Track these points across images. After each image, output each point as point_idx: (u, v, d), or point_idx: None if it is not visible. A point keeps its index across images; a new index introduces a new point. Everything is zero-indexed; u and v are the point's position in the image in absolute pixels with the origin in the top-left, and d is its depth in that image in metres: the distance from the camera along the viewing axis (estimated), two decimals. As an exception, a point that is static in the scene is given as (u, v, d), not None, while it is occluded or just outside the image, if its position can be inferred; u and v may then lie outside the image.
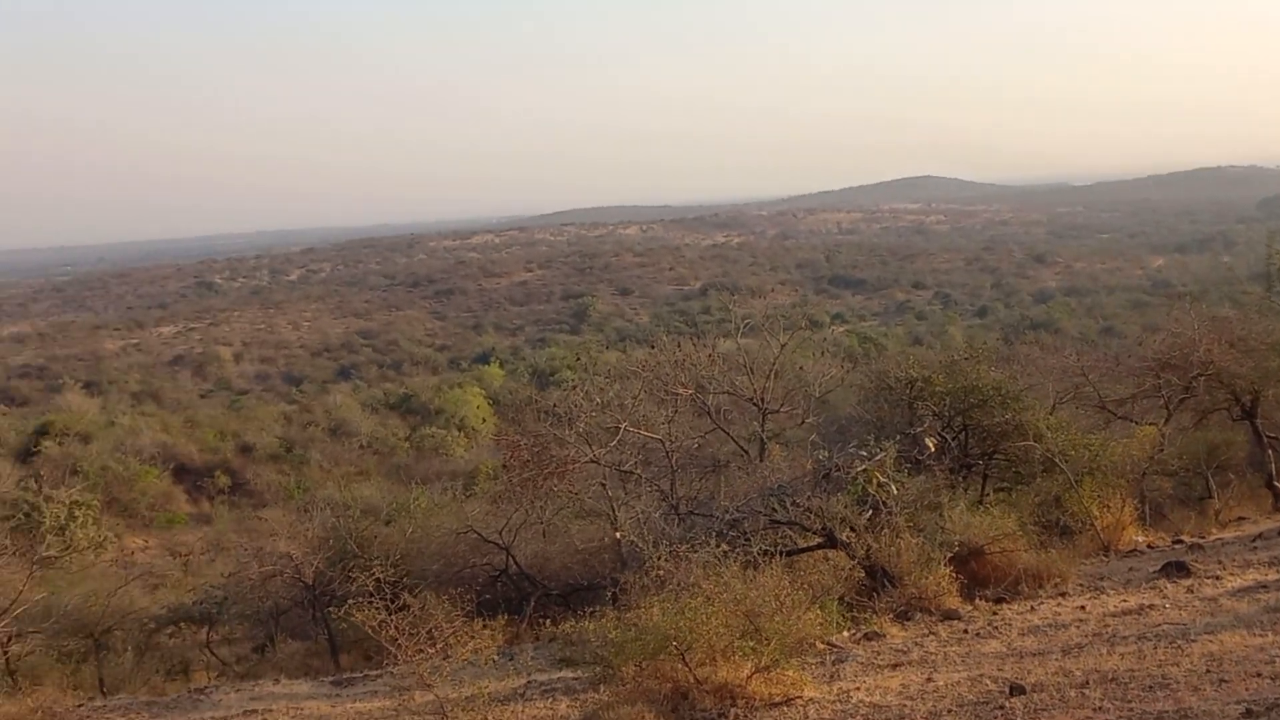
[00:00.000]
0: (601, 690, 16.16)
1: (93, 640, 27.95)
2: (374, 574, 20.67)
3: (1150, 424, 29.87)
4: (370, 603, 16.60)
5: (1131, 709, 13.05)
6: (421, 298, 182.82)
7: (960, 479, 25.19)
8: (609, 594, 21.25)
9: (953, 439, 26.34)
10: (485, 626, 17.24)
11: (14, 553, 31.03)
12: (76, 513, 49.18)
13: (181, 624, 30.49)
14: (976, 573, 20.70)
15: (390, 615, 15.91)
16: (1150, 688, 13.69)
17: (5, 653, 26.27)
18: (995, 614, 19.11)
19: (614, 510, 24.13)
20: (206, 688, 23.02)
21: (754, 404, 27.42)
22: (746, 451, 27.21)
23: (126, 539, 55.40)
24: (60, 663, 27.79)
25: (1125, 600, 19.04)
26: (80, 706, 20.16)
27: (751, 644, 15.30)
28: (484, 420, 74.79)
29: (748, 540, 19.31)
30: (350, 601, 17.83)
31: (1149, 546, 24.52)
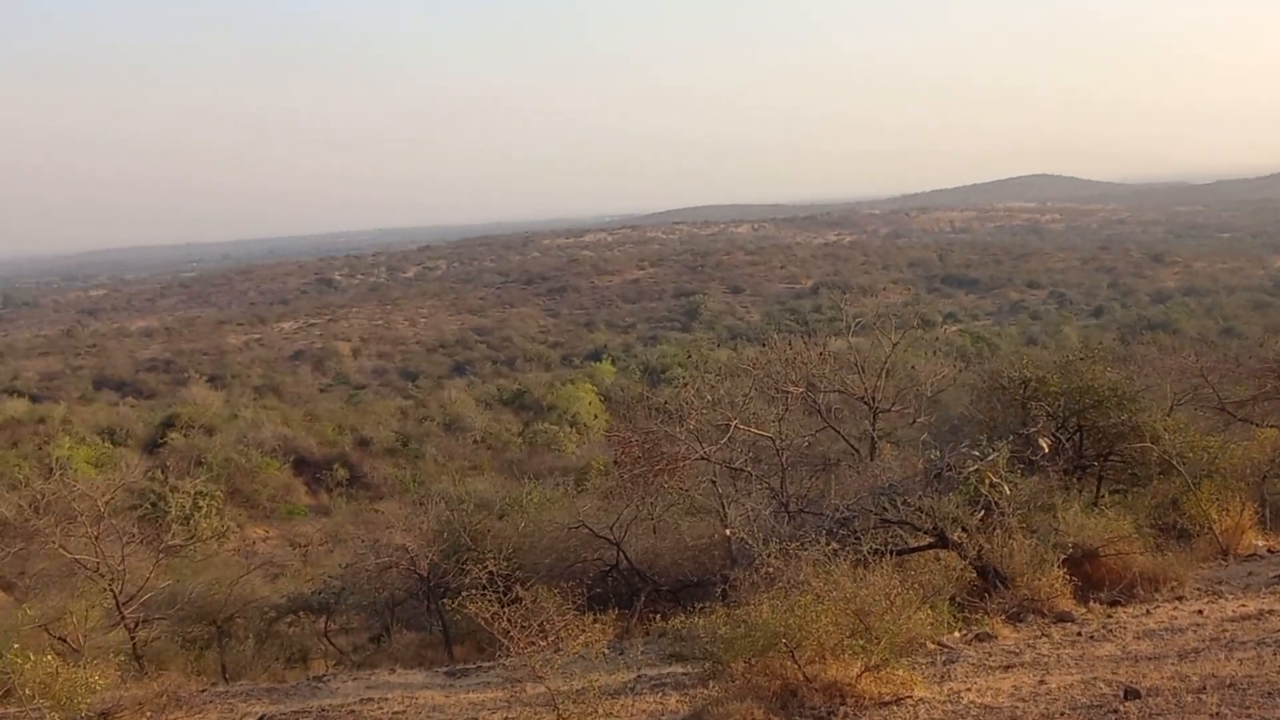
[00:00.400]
0: (710, 686, 16.26)
1: (216, 627, 28.73)
2: (487, 567, 21.02)
3: (1271, 427, 29.21)
4: (483, 595, 16.88)
5: (1250, 715, 12.87)
6: (535, 295, 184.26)
7: (1074, 480, 24.88)
8: (718, 590, 21.35)
9: (1067, 440, 26.00)
10: (596, 621, 17.41)
11: (141, 541, 32.02)
12: (201, 503, 50.39)
13: (301, 613, 31.12)
14: (1090, 575, 20.45)
15: (502, 608, 16.15)
16: (1269, 694, 13.48)
17: (133, 637, 27.10)
18: (1109, 617, 18.86)
19: (724, 507, 24.23)
20: (324, 676, 23.55)
21: (865, 403, 27.31)
22: (857, 450, 27.11)
23: (248, 529, 56.76)
24: (185, 649, 28.62)
25: (1244, 605, 18.69)
26: (203, 692, 20.72)
27: (861, 643, 15.31)
28: (595, 416, 75.22)
29: (858, 539, 19.28)
30: (463, 594, 18.10)
31: (1269, 551, 24.00)
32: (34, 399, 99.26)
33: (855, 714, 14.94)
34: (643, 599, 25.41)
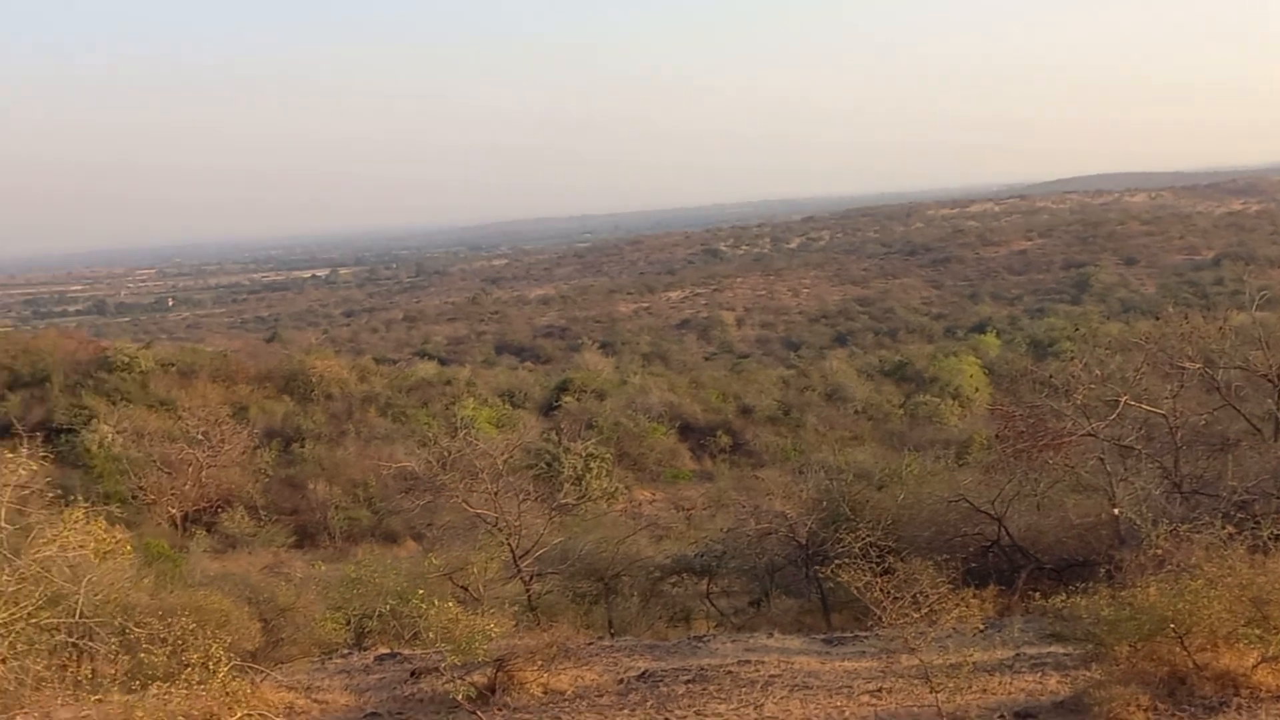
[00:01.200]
0: (1093, 669, 15.84)
1: (603, 584, 29.98)
2: (864, 537, 21.07)
3: None
4: (858, 564, 16.99)
5: None
6: (918, 266, 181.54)
7: None
8: (1103, 571, 20.66)
9: None
10: (975, 596, 17.23)
11: (536, 499, 33.84)
12: (592, 464, 52.79)
13: (683, 574, 31.99)
14: None
15: (876, 578, 16.21)
16: None
17: (528, 590, 28.73)
18: None
19: (1112, 486, 23.40)
20: (705, 636, 24.27)
21: (1270, 380, 25.66)
22: (1259, 430, 25.54)
23: (636, 491, 58.88)
24: (574, 603, 30.06)
25: None
26: (590, 645, 21.67)
27: (1258, 632, 14.55)
28: (978, 390, 73.72)
29: (1257, 523, 18.26)
30: (838, 562, 18.27)
31: None
32: (442, 362, 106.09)
33: (1250, 706, 14.23)
34: (1024, 576, 24.87)
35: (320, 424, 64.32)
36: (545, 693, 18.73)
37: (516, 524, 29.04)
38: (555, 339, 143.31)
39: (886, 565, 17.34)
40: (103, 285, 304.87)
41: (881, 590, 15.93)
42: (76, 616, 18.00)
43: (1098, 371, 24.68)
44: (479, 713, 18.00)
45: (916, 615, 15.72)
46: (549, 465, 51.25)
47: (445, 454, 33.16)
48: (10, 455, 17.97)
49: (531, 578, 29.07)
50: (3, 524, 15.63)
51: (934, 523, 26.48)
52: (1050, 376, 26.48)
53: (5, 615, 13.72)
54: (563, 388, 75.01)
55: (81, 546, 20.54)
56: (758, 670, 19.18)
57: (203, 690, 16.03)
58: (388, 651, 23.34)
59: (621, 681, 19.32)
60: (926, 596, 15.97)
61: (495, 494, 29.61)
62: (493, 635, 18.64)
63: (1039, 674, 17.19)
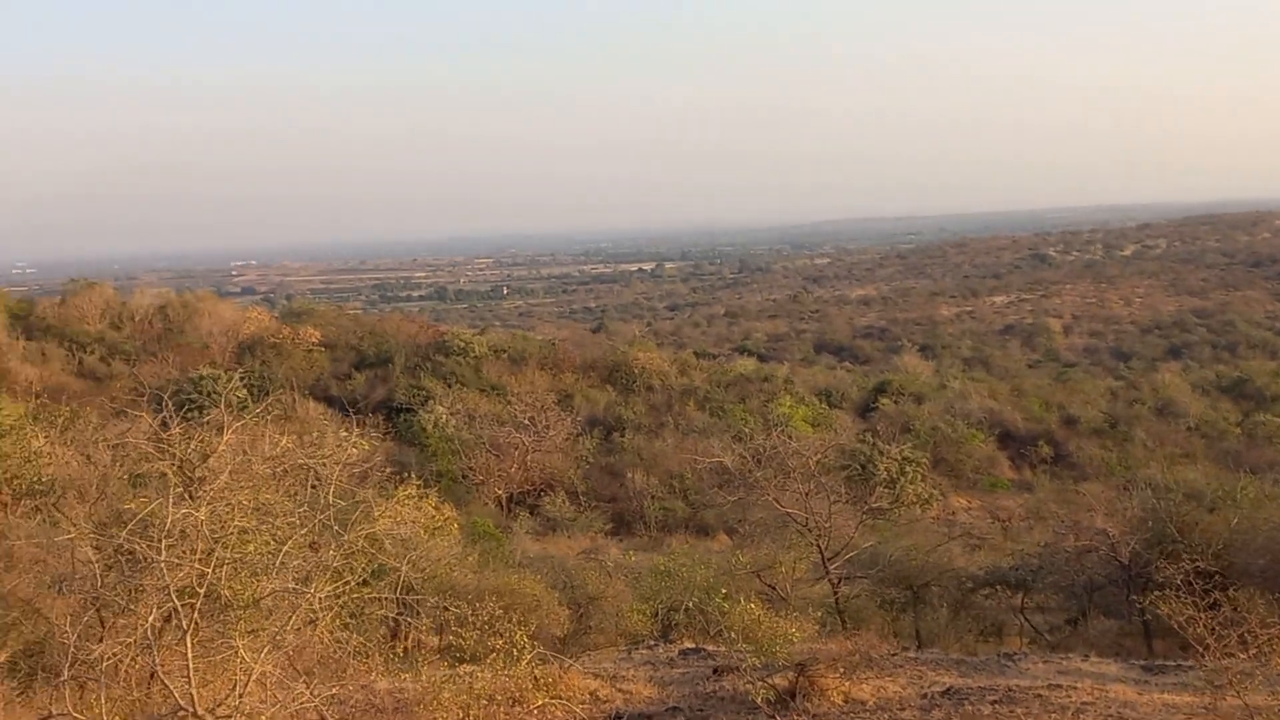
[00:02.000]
0: None
1: (911, 592, 29.57)
2: (1192, 563, 20.03)
3: None
4: (1180, 595, 16.19)
5: None
6: (1263, 278, 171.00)
7: None
8: None
9: None
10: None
11: (848, 500, 33.64)
12: (907, 468, 52.01)
13: (996, 587, 31.24)
14: None
15: (1199, 611, 15.40)
16: None
17: (835, 593, 28.59)
18: None
19: None
20: (1015, 654, 23.59)
21: None
22: None
23: (951, 498, 57.82)
24: (881, 609, 29.73)
25: None
26: (894, 655, 21.39)
27: None
28: (1329, 412, 69.12)
29: None
30: (1157, 593, 17.45)
31: None
32: (761, 358, 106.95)
33: None
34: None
35: (640, 414, 65.80)
36: (846, 701, 18.61)
37: (827, 525, 28.97)
38: (875, 340, 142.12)
39: (1213, 599, 16.45)
40: (444, 272, 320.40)
41: (1205, 626, 15.11)
42: (399, 591, 18.99)
43: None
44: (778, 717, 18.05)
45: (1244, 654, 14.85)
46: (863, 467, 50.81)
47: (759, 451, 33.38)
48: (345, 434, 19.08)
49: (839, 580, 28.92)
50: (336, 500, 16.62)
51: (1270, 551, 24.98)
52: None
53: (331, 589, 14.64)
54: (880, 389, 74.48)
55: (413, 522, 21.70)
56: (1069, 696, 18.52)
57: (508, 675, 16.65)
58: (692, 646, 23.66)
59: (925, 696, 19.00)
60: (1255, 634, 15.06)
61: (807, 493, 29.64)
62: (794, 639, 18.66)
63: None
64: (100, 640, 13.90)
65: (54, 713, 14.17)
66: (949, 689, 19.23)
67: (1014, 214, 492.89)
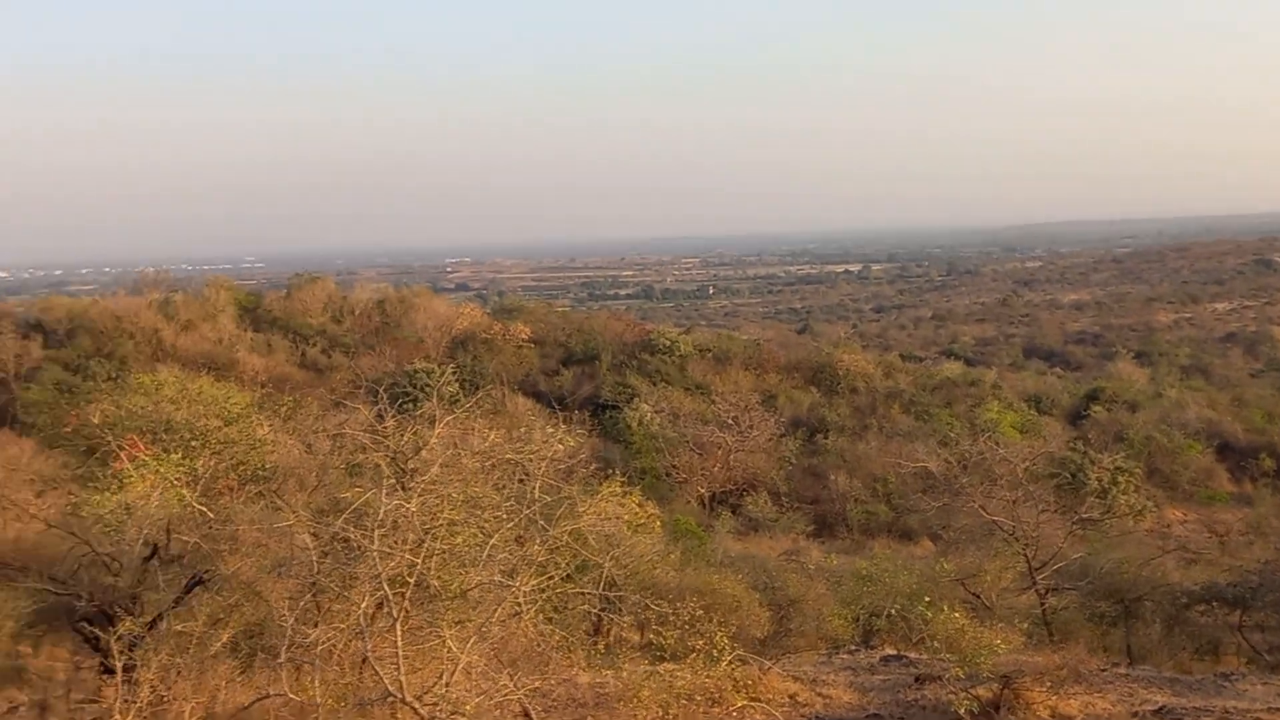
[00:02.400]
0: None
1: (1123, 605, 28.65)
2: None
3: None
4: None
5: None
6: None
7: None
8: None
9: None
10: None
11: (1056, 509, 32.83)
12: (1119, 478, 50.51)
13: (1213, 603, 30.07)
14: None
15: None
16: None
17: (1043, 604, 27.94)
18: None
19: None
20: (1233, 674, 22.73)
21: None
22: None
23: (1165, 510, 55.88)
24: (1091, 623, 28.89)
25: None
26: (1104, 671, 20.84)
27: None
28: None
29: None
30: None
31: None
32: (968, 362, 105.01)
33: None
34: None
35: (844, 416, 65.39)
36: (1052, 716, 18.20)
37: (1034, 534, 28.36)
38: (1087, 345, 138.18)
39: None
40: (651, 271, 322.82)
41: None
42: (602, 587, 19.27)
43: None
44: (981, 728, 17.76)
45: None
46: (1073, 476, 49.54)
47: (965, 456, 32.86)
48: (552, 429, 19.44)
49: (1047, 591, 28.26)
50: (542, 495, 16.95)
51: None
52: None
53: (536, 583, 14.98)
54: (1092, 396, 72.52)
55: (617, 518, 21.99)
56: (1288, 719, 17.80)
57: (708, 675, 16.76)
58: (894, 653, 23.45)
59: (1136, 715, 18.45)
60: None
61: (1014, 501, 29.09)
62: (999, 650, 18.31)
63: None
64: (316, 625, 14.47)
65: (271, 693, 14.83)
66: (1162, 708, 18.63)
67: (1238, 218, 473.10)
